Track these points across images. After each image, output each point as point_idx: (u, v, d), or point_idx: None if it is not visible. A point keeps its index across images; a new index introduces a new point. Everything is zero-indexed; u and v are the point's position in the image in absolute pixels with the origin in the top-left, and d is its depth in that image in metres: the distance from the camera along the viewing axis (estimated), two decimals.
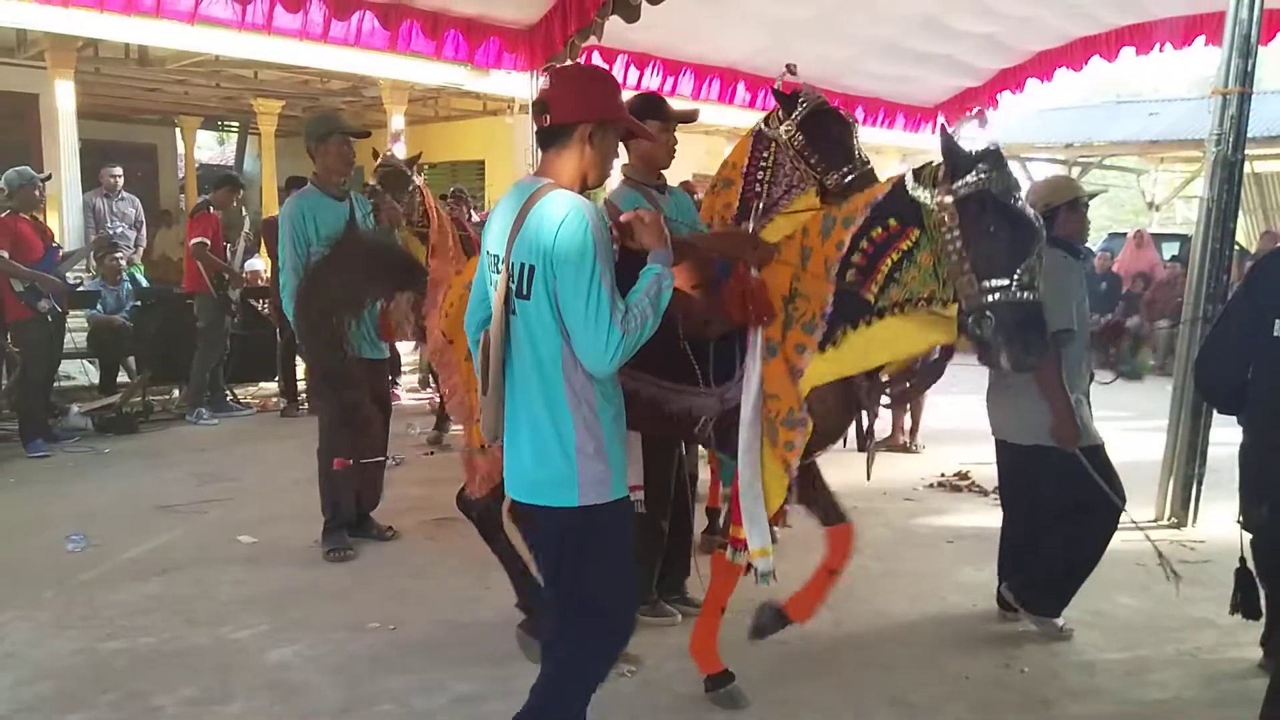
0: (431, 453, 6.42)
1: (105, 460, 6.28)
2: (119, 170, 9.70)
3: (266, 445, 6.71)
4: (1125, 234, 14.78)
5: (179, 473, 5.91)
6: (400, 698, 3.16)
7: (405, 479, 5.64)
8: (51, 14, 6.77)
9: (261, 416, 7.87)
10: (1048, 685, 3.37)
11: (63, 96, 9.25)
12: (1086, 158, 16.61)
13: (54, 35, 8.72)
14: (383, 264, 3.42)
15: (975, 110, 10.81)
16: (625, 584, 2.45)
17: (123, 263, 8.44)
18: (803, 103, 3.55)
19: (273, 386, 8.36)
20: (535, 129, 2.45)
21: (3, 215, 6.16)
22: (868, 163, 3.50)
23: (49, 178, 6.84)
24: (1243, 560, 3.26)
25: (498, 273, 2.32)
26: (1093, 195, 3.92)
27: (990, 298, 2.48)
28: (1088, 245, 3.94)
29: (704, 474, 4.73)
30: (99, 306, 7.91)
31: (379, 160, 5.83)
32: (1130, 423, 6.30)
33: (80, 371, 7.93)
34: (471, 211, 8.72)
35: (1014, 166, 2.67)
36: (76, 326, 7.39)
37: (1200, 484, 5.18)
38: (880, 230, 2.64)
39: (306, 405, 7.55)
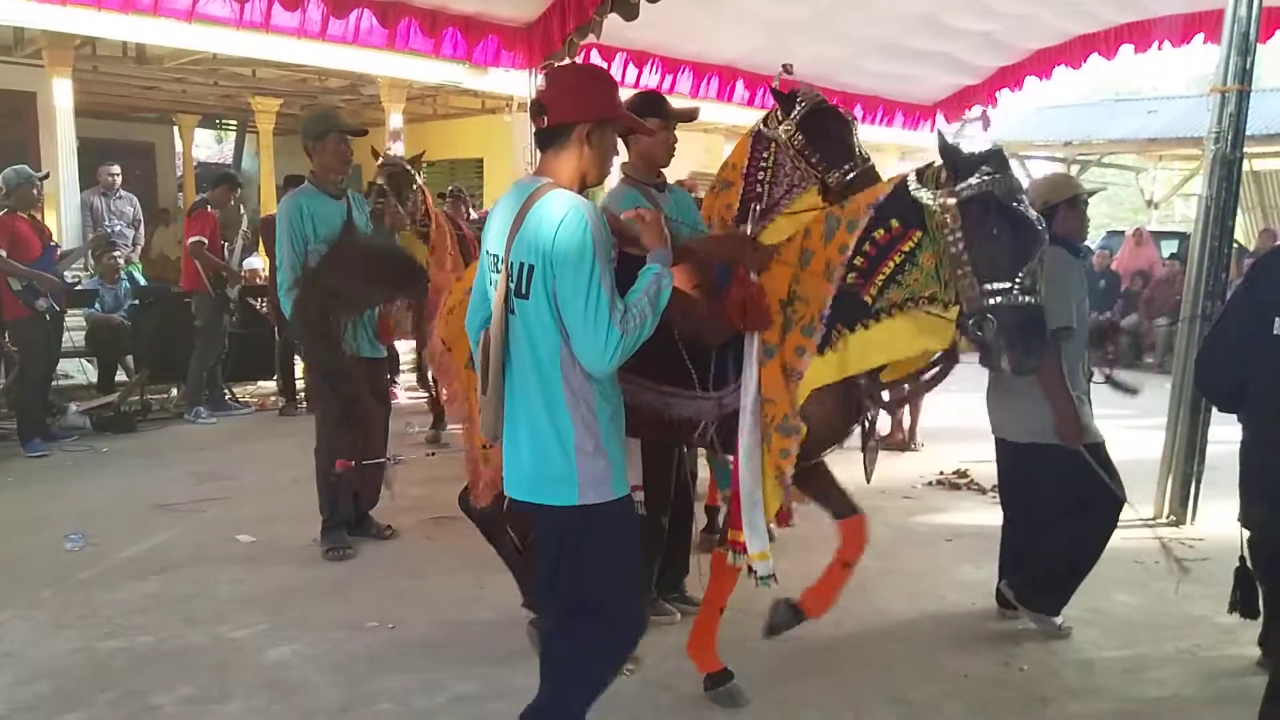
0: (433, 453, 6.40)
1: (103, 459, 6.28)
2: (117, 169, 9.67)
3: (265, 444, 6.71)
4: (1124, 232, 14.80)
5: (177, 472, 5.90)
6: (399, 697, 3.16)
7: (404, 478, 5.61)
8: (49, 12, 6.76)
9: (260, 415, 7.86)
10: (1046, 683, 3.37)
11: (60, 95, 9.23)
12: (1085, 155, 16.61)
13: (51, 33, 8.70)
14: (382, 267, 3.41)
15: (979, 112, 10.81)
16: (627, 585, 2.43)
17: (121, 261, 8.42)
18: (801, 102, 3.54)
19: (271, 385, 8.34)
20: (534, 130, 2.44)
21: (0, 214, 6.15)
22: (868, 160, 3.49)
23: (46, 176, 6.83)
24: (1243, 559, 3.26)
25: (497, 272, 2.32)
26: (1092, 193, 3.92)
27: (991, 300, 2.48)
28: (1086, 243, 3.94)
29: (703, 472, 4.73)
30: (97, 305, 7.90)
31: (382, 160, 5.83)
32: (1129, 420, 6.29)
33: (78, 370, 7.91)
34: (470, 210, 8.71)
35: (1013, 165, 2.66)
36: (74, 325, 7.38)
37: (1199, 482, 5.18)
38: (883, 232, 2.64)
39: (305, 404, 7.55)
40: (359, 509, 4.71)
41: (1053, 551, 3.68)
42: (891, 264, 2.64)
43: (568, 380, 2.26)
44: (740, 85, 9.65)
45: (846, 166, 3.43)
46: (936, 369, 2.90)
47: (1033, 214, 2.54)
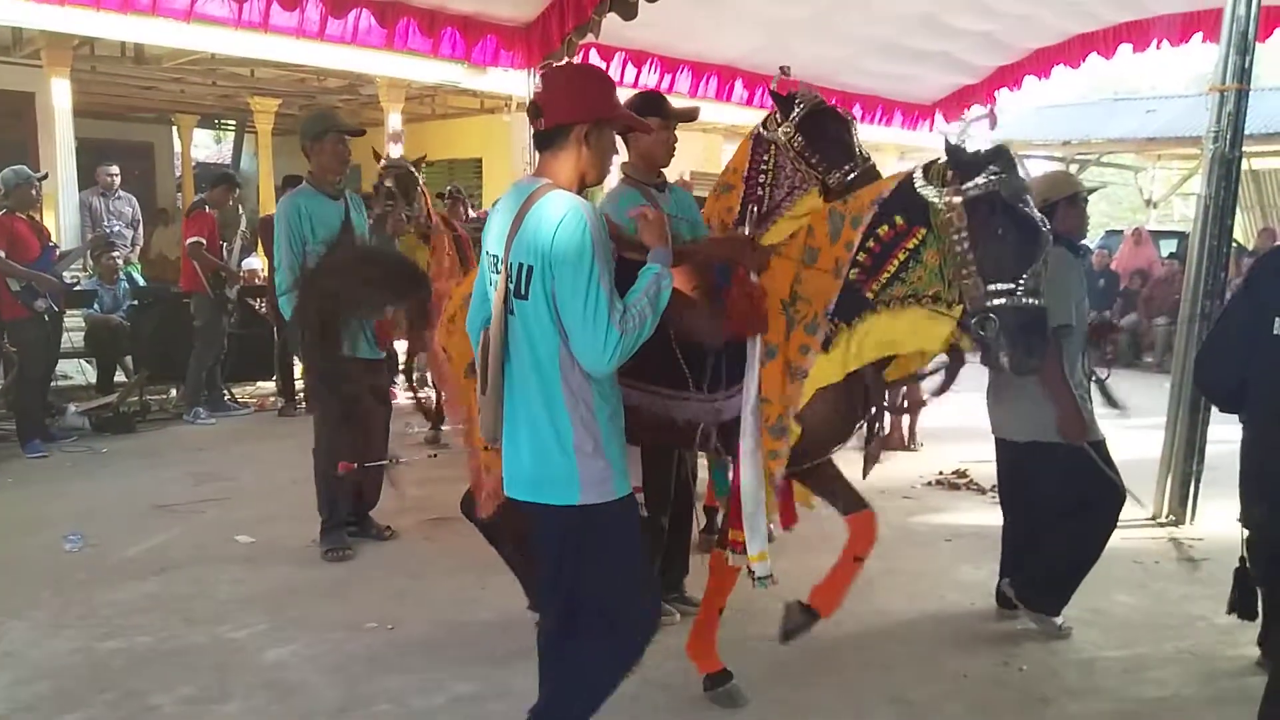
0: (435, 454, 6.40)
1: (103, 460, 6.27)
2: (115, 169, 9.66)
3: (264, 445, 6.71)
4: (1123, 231, 14.81)
5: (176, 472, 5.90)
6: (398, 697, 3.16)
7: (404, 479, 5.62)
8: (47, 12, 6.75)
9: (259, 416, 7.86)
10: (1046, 683, 3.37)
11: (59, 95, 9.21)
12: (1084, 155, 16.61)
13: (50, 33, 8.68)
14: (384, 272, 3.40)
15: (987, 110, 10.81)
16: (628, 586, 2.41)
17: (119, 261, 8.41)
18: (800, 103, 3.54)
19: (270, 386, 8.34)
20: (532, 131, 2.44)
21: None
22: (869, 159, 3.50)
23: (45, 176, 6.83)
24: (1243, 560, 3.26)
25: (497, 273, 2.32)
26: (1092, 190, 3.92)
27: (995, 301, 2.48)
28: (1085, 243, 3.94)
29: (703, 473, 4.72)
30: (96, 305, 7.89)
31: (386, 163, 5.84)
32: (1128, 420, 6.30)
33: (77, 371, 7.91)
34: (468, 210, 8.71)
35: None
36: (73, 326, 7.37)
37: (1198, 481, 5.18)
38: (887, 228, 2.64)
39: (304, 405, 7.54)
40: (360, 509, 4.70)
41: (1053, 551, 3.68)
42: (896, 261, 2.63)
43: (566, 381, 2.25)
44: (739, 85, 9.65)
45: (847, 167, 3.43)
46: (943, 369, 2.89)
47: (1038, 215, 2.54)
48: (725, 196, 3.73)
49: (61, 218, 9.09)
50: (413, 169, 5.83)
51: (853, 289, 2.68)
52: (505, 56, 7.74)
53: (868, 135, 4.52)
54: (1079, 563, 3.68)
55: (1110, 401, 3.90)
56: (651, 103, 3.45)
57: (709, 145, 14.36)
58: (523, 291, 2.24)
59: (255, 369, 8.44)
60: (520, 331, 2.28)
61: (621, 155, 3.17)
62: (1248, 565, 3.26)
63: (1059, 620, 3.72)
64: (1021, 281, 2.47)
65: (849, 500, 3.10)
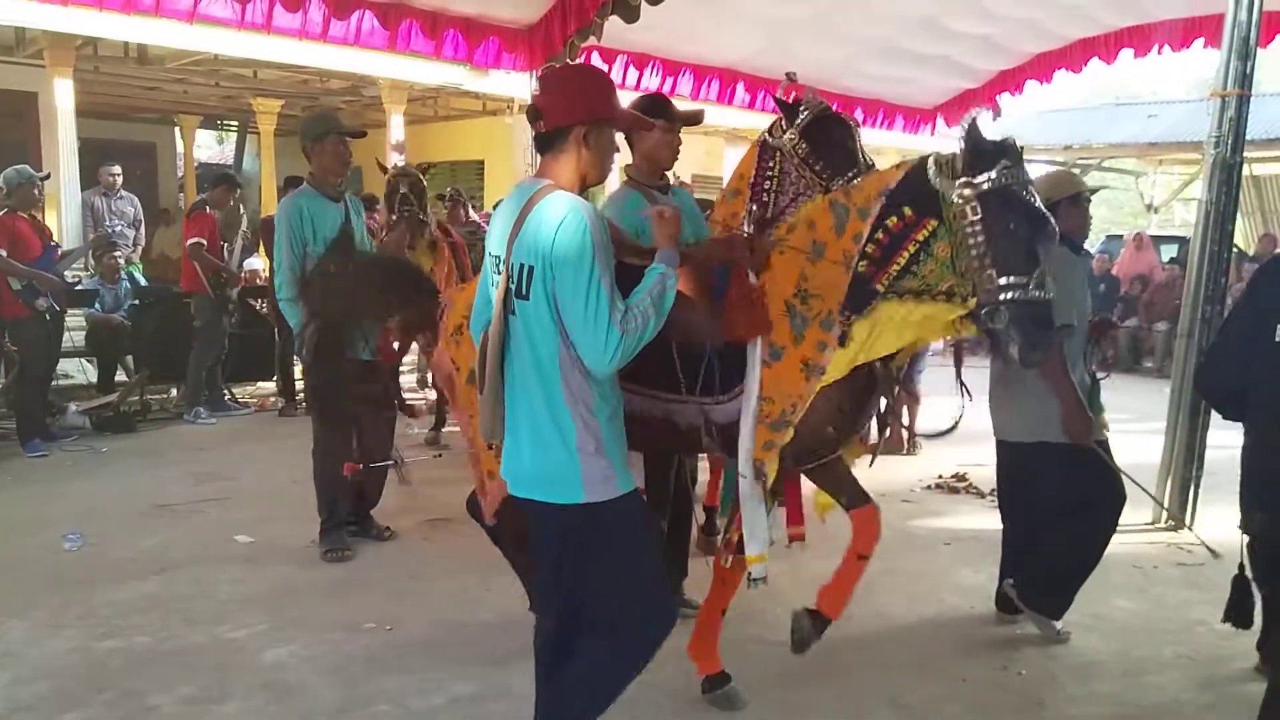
0: (439, 455, 6.40)
1: (103, 459, 6.27)
2: (118, 169, 9.68)
3: (264, 445, 6.71)
4: (1124, 236, 14.81)
5: (177, 472, 5.90)
6: (397, 698, 3.16)
7: (413, 475, 5.61)
8: (50, 12, 6.75)
9: (259, 416, 7.86)
10: (1045, 687, 3.37)
11: (61, 95, 9.24)
12: (1085, 159, 16.63)
13: (53, 34, 8.71)
14: (389, 279, 3.40)
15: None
16: (632, 585, 2.40)
17: (121, 261, 8.42)
18: (804, 110, 3.55)
19: (271, 386, 8.35)
20: (532, 133, 2.44)
21: (1, 214, 6.15)
22: (871, 165, 3.51)
23: (47, 176, 6.83)
24: (1242, 567, 3.25)
25: (499, 273, 2.32)
26: (1094, 190, 3.92)
27: (1007, 295, 2.49)
28: (1086, 246, 3.95)
29: (702, 475, 4.72)
30: (97, 305, 7.90)
31: (396, 171, 5.93)
32: (1128, 424, 6.31)
33: (78, 370, 7.91)
34: (469, 213, 8.72)
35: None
36: (75, 325, 7.37)
37: (1198, 486, 5.18)
38: (896, 219, 2.61)
39: (304, 405, 7.54)
40: (361, 508, 4.71)
41: (1054, 552, 3.68)
42: (906, 253, 2.61)
43: (566, 381, 2.26)
44: (741, 88, 9.64)
45: (850, 173, 3.43)
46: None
47: (1043, 208, 2.54)
48: (731, 203, 3.76)
49: (63, 217, 9.11)
50: (421, 176, 5.90)
51: (862, 281, 2.65)
52: (507, 59, 7.74)
53: (869, 139, 4.54)
54: (1080, 563, 3.67)
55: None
56: (656, 105, 3.45)
57: (711, 148, 14.38)
58: (524, 292, 2.24)
59: (256, 369, 8.45)
60: (521, 331, 2.28)
61: (625, 157, 3.17)
62: (1247, 572, 3.25)
63: (1058, 625, 3.72)
64: (1034, 274, 2.48)
65: (853, 495, 3.10)
